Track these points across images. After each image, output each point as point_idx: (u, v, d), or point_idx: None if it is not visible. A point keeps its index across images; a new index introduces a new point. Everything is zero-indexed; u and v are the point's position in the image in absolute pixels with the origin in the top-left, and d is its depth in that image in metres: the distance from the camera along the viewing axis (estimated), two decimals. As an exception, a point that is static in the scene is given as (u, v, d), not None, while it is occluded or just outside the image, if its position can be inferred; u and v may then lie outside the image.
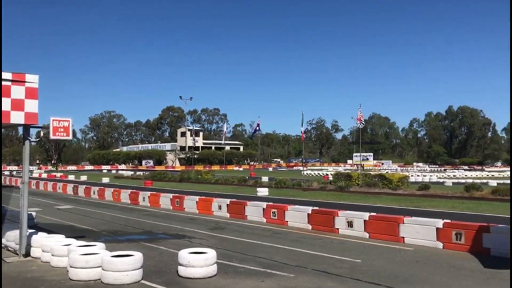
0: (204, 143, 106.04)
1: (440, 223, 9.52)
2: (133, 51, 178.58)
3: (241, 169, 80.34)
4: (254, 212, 14.12)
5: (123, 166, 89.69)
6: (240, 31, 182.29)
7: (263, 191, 23.47)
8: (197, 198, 16.80)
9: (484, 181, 34.23)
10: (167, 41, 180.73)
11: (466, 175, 47.63)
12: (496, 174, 50.01)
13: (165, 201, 18.24)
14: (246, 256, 8.71)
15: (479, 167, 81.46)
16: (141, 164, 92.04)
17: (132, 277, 6.78)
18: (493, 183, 30.94)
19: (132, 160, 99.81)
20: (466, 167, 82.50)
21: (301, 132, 62.54)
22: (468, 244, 8.99)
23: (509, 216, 13.89)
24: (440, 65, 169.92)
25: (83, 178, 44.31)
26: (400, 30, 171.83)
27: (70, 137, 9.20)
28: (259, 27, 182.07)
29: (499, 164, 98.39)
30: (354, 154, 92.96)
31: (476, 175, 47.47)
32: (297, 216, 12.68)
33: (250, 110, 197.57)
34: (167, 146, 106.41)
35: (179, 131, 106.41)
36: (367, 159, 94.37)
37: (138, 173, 54.39)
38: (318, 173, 52.41)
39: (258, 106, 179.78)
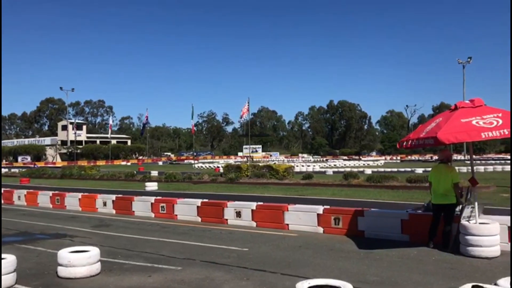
0: (88, 137, 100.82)
1: (320, 209, 10.12)
2: (6, 35, 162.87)
3: (129, 163, 77.68)
4: (141, 207, 13.75)
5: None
6: (125, 19, 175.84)
7: (152, 186, 23.00)
8: (79, 195, 15.91)
9: (361, 169, 37.27)
10: (47, 27, 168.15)
11: (345, 165, 51.23)
12: (371, 163, 54.60)
13: (44, 199, 16.98)
14: (132, 252, 8.47)
15: (357, 157, 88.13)
16: (16, 161, 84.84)
17: (3, 282, 6.20)
18: (368, 171, 33.72)
19: (6, 156, 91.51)
20: (345, 157, 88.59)
21: (191, 125, 62.38)
22: (345, 228, 9.68)
23: (383, 201, 15.27)
24: (322, 61, 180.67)
25: None
26: (284, 29, 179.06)
27: None
28: (147, 15, 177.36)
29: (374, 153, 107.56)
30: (244, 146, 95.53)
31: (354, 164, 51.28)
32: (186, 209, 12.61)
33: (138, 103, 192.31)
34: (47, 140, 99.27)
35: (60, 124, 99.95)
36: (256, 151, 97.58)
37: (13, 170, 49.89)
38: (210, 166, 52.62)
39: (146, 98, 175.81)
